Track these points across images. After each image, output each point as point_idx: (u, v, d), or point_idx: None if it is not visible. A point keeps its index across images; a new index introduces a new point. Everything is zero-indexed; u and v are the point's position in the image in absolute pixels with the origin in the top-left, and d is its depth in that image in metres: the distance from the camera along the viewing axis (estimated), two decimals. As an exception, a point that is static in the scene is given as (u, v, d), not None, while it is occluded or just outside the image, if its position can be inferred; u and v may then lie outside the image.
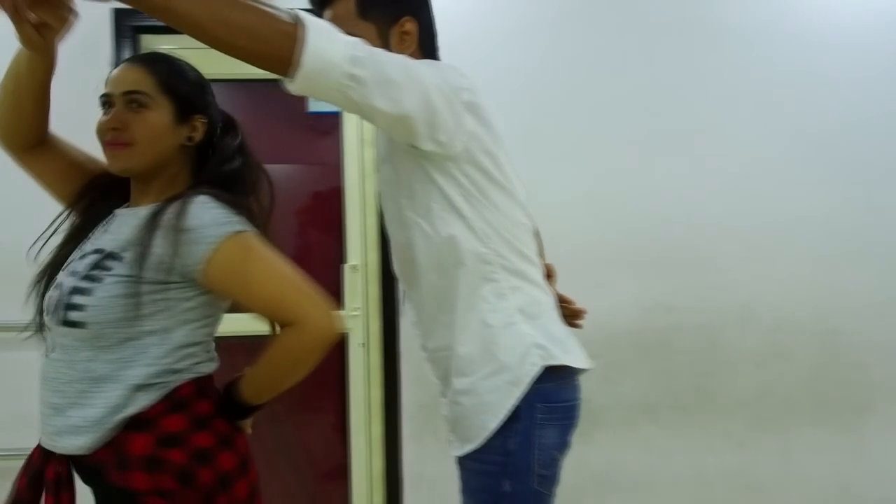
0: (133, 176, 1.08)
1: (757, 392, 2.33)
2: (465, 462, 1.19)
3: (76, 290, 0.99)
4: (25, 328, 1.08)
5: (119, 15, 2.21)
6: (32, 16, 0.93)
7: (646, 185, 2.32)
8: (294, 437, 2.38)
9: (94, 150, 1.09)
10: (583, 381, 1.23)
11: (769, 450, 2.33)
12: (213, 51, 0.96)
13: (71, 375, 0.99)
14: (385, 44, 1.18)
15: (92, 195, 1.13)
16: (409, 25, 1.21)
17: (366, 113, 1.05)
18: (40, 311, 1.08)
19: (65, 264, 1.08)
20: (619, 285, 2.29)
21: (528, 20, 2.32)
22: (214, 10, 0.91)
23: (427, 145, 1.09)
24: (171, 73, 1.09)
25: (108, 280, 0.98)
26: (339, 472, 2.33)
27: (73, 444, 0.98)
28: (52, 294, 1.03)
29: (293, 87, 0.99)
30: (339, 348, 2.24)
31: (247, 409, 1.08)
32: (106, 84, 1.08)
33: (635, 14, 2.35)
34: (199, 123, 1.11)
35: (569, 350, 1.20)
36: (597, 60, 2.33)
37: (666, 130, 2.33)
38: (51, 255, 1.12)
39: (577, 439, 1.22)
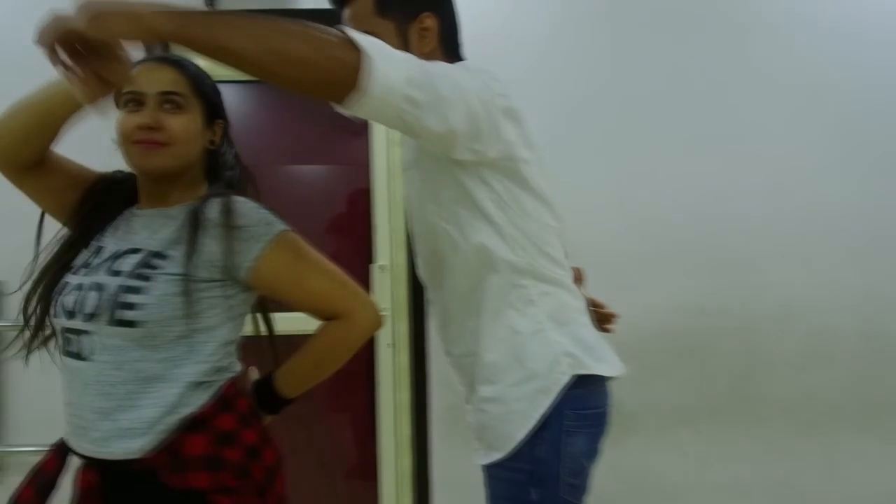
0: (161, 177, 1.07)
1: (798, 397, 2.25)
2: (490, 470, 1.16)
3: (127, 289, 0.97)
4: (20, 332, 1.07)
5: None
6: (88, 69, 0.88)
7: (678, 184, 2.25)
8: (323, 437, 2.38)
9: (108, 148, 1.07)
10: (615, 385, 1.20)
11: (812, 457, 2.25)
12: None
13: (119, 377, 0.98)
14: (404, 42, 1.14)
15: (91, 203, 1.12)
16: (430, 21, 1.17)
17: (415, 132, 1.00)
18: (41, 313, 1.06)
19: (73, 267, 1.06)
20: (652, 287, 2.24)
21: (556, 19, 2.27)
22: (268, 43, 0.87)
23: (463, 154, 1.06)
24: (199, 76, 1.09)
25: (161, 278, 0.98)
26: (368, 473, 2.32)
27: (126, 448, 0.96)
28: (83, 294, 1.00)
29: (345, 109, 0.94)
30: (367, 349, 2.24)
31: (280, 404, 1.10)
32: (130, 82, 1.05)
33: (665, 11, 2.29)
34: (219, 127, 1.12)
35: (600, 357, 1.16)
36: (626, 58, 2.28)
37: (698, 128, 2.26)
38: (51, 259, 1.10)
39: (610, 445, 1.19)
